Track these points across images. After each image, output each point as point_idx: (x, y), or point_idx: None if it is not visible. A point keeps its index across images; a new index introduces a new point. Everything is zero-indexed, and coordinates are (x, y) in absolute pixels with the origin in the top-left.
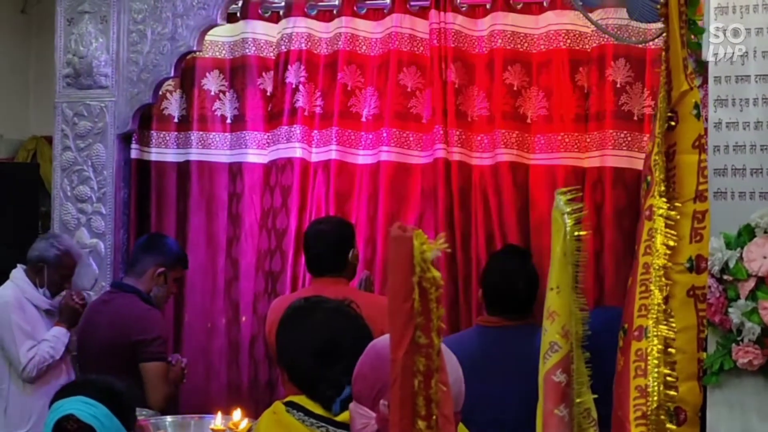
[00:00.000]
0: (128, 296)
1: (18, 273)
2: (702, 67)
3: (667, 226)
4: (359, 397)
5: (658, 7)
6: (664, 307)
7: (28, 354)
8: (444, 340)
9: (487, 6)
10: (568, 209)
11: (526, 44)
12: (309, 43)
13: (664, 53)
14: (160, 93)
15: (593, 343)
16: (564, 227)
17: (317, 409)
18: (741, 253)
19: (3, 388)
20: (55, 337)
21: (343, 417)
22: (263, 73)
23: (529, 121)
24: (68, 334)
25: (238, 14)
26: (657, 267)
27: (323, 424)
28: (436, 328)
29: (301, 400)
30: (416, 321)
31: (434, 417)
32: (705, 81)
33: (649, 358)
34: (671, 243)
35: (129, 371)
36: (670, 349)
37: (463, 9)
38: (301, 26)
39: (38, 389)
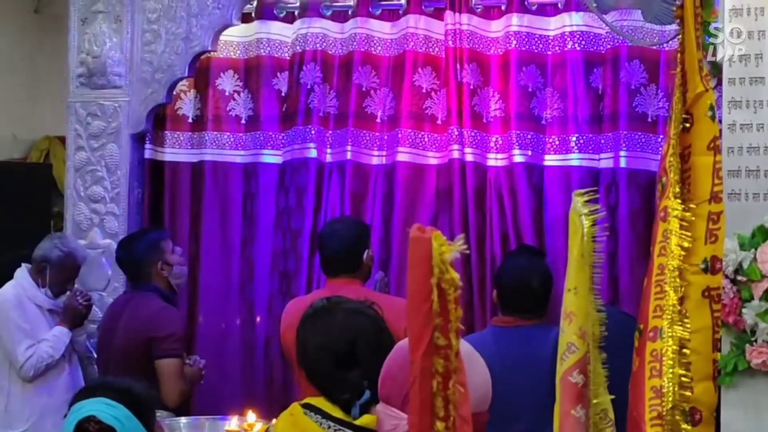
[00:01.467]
0: (147, 294)
1: (21, 272)
2: (716, 69)
3: (681, 227)
4: (387, 397)
5: (674, 9)
6: (679, 308)
7: (26, 353)
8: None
9: (502, 7)
10: (586, 211)
11: (540, 45)
12: (324, 44)
13: (679, 55)
14: (174, 93)
15: None
16: (581, 229)
17: (336, 412)
18: (755, 254)
19: (3, 386)
20: (56, 337)
21: (362, 421)
22: (278, 74)
23: (543, 122)
24: (70, 334)
25: (253, 14)
26: (672, 268)
27: (342, 428)
28: (454, 329)
29: (319, 402)
30: (435, 322)
31: (452, 418)
32: (719, 83)
33: (664, 358)
34: (686, 244)
35: (147, 369)
36: (685, 350)
37: (478, 10)
38: (315, 27)
39: (39, 388)
